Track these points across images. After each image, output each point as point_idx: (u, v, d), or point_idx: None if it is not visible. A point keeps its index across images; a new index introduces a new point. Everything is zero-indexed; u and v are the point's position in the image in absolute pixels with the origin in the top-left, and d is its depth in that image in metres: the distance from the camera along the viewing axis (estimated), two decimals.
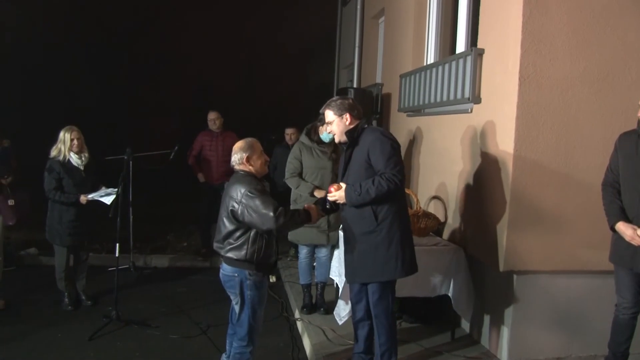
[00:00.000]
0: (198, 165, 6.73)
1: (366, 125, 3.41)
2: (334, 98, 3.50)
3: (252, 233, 3.19)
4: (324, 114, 3.48)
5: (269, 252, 3.29)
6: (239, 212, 3.13)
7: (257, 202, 3.07)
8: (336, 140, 3.51)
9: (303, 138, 4.78)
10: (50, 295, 5.19)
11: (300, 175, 4.69)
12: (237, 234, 3.20)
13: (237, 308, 3.30)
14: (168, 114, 13.56)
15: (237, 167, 3.31)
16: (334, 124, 3.42)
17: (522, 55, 3.54)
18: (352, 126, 3.38)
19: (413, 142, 5.40)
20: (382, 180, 3.16)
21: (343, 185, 3.32)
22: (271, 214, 3.04)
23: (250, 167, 3.28)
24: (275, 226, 3.06)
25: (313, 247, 4.86)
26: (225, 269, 3.29)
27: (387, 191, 3.16)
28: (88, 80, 11.92)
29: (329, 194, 3.38)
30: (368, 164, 3.27)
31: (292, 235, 4.77)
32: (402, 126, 5.67)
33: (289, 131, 6.77)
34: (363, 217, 3.30)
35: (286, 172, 4.72)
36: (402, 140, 5.41)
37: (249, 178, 3.23)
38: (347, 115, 3.38)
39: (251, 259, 3.19)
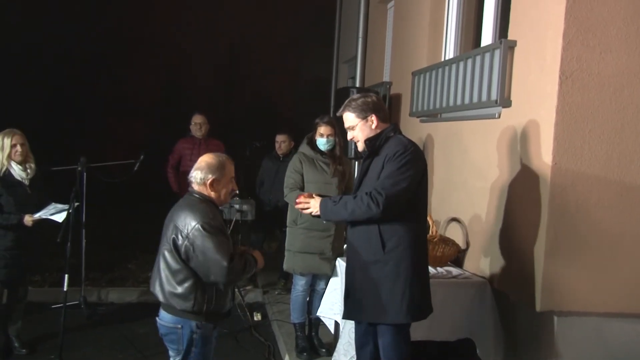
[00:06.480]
0: (177, 178, 6.65)
1: (392, 134, 3.35)
2: (354, 96, 3.44)
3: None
4: (342, 117, 3.42)
5: (223, 300, 3.15)
6: (183, 249, 2.96)
7: (210, 243, 2.91)
8: (359, 149, 3.47)
9: (304, 148, 4.77)
10: None
11: (301, 190, 4.63)
12: (181, 276, 3.00)
13: None
14: (132, 113, 13.44)
15: (195, 187, 3.13)
16: (357, 129, 3.37)
17: (564, 48, 3.49)
18: (378, 131, 3.34)
19: (427, 153, 5.41)
20: (364, 196, 3.14)
21: (317, 198, 3.37)
22: (225, 263, 2.90)
23: (212, 192, 3.12)
24: (226, 280, 2.95)
25: (311, 278, 4.80)
26: (165, 318, 3.09)
27: (366, 210, 3.12)
28: (31, 72, 11.69)
29: (297, 200, 3.45)
30: None
31: (288, 263, 4.74)
32: (414, 134, 5.66)
33: (279, 138, 6.72)
34: (369, 242, 3.28)
35: (285, 187, 4.69)
36: None
37: (204, 206, 3.04)
38: (373, 117, 3.33)
39: (200, 310, 3.02)
